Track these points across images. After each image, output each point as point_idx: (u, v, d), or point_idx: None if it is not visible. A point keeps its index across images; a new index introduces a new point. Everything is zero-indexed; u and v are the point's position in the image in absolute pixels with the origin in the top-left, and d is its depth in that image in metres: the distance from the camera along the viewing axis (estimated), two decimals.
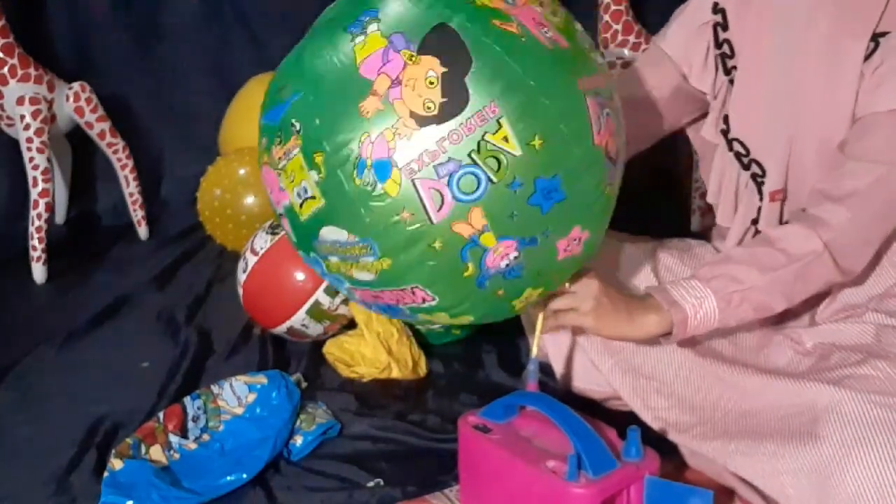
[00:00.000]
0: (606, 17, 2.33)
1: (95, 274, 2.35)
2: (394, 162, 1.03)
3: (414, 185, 1.03)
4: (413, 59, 1.04)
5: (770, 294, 1.23)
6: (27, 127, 2.23)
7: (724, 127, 1.38)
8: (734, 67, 1.37)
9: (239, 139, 2.46)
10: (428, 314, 1.17)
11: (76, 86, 2.34)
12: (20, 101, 2.23)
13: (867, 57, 1.22)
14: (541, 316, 1.23)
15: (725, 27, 1.36)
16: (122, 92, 2.72)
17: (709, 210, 2.04)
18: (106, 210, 2.76)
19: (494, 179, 1.03)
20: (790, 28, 1.29)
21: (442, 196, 1.03)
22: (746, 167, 1.36)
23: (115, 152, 2.47)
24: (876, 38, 1.22)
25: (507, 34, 1.05)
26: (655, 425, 1.31)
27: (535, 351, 1.25)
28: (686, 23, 1.42)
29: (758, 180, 1.36)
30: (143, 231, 2.57)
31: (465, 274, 1.08)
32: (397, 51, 1.04)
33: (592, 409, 1.41)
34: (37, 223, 2.24)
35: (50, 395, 1.70)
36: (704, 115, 1.47)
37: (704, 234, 1.64)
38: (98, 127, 2.40)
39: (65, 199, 2.67)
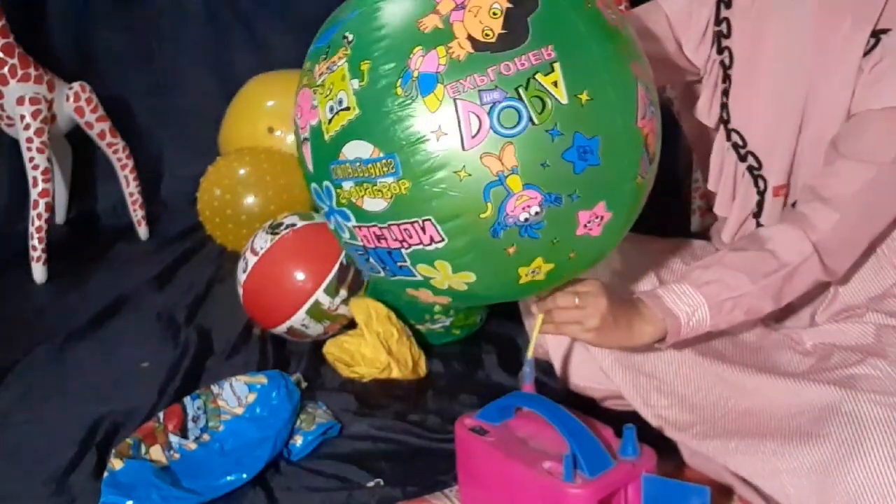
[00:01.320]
0: None
1: (95, 274, 2.35)
2: (440, 77, 1.02)
3: (455, 104, 1.02)
4: None
5: (761, 298, 1.23)
6: (27, 127, 2.23)
7: (724, 116, 1.38)
8: (727, 48, 1.36)
9: (239, 139, 2.46)
10: (429, 264, 1.11)
11: (76, 86, 2.34)
12: (20, 101, 2.23)
13: (867, 52, 1.22)
14: (539, 317, 1.23)
15: (729, 4, 1.36)
16: (122, 92, 2.72)
17: (709, 210, 2.04)
18: (106, 210, 2.76)
19: (536, 120, 1.01)
20: (789, 21, 1.29)
21: (480, 123, 1.01)
22: (743, 158, 1.37)
23: (115, 152, 2.47)
24: (877, 34, 1.22)
25: None
26: (655, 423, 1.31)
27: (530, 352, 1.25)
28: None
29: (754, 173, 1.36)
30: (143, 231, 2.58)
31: (483, 215, 1.05)
32: None
33: (589, 409, 1.42)
34: (37, 223, 2.24)
35: (50, 395, 1.70)
36: (684, 93, 1.48)
37: (704, 234, 1.65)
38: (98, 127, 2.41)
39: (65, 199, 2.67)
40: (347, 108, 1.06)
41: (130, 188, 2.52)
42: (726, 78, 1.38)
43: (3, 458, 1.50)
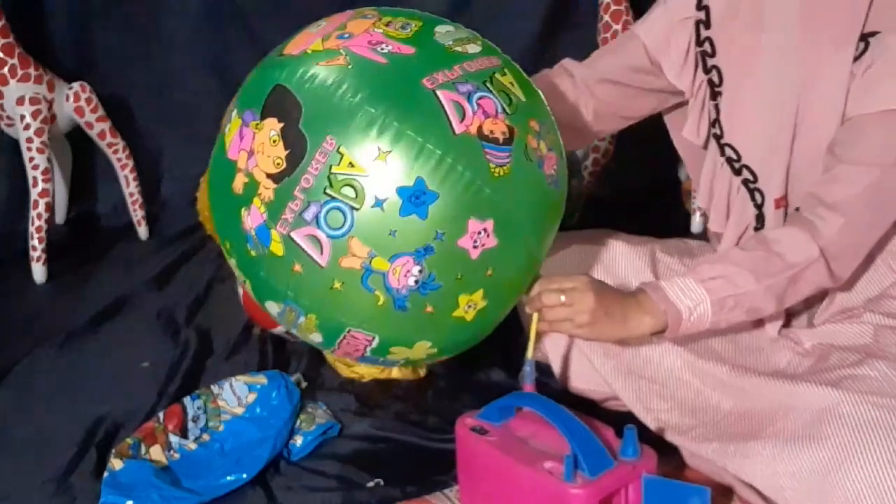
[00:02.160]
0: (606, 18, 2.32)
1: (95, 274, 2.34)
2: (268, 224, 1.09)
3: (291, 238, 1.08)
4: (258, 126, 1.11)
5: (764, 299, 1.23)
6: (27, 127, 2.23)
7: (716, 132, 1.38)
8: (715, 67, 1.36)
9: None
10: (385, 353, 1.18)
11: (76, 86, 2.34)
12: (20, 101, 2.22)
13: (857, 57, 1.22)
14: (535, 316, 1.23)
15: (708, 25, 1.36)
16: (122, 92, 2.71)
17: None
18: (106, 210, 2.75)
19: (356, 206, 1.06)
20: (777, 32, 1.28)
21: (318, 239, 1.07)
22: (738, 172, 1.36)
23: (115, 152, 2.47)
24: (865, 38, 1.22)
25: (333, 68, 1.10)
26: (655, 427, 1.32)
27: (530, 352, 1.25)
28: (667, 15, 1.40)
29: (750, 186, 1.35)
30: (143, 231, 2.57)
31: (379, 304, 1.10)
32: (247, 125, 1.11)
33: (590, 409, 1.42)
34: (37, 223, 2.24)
35: (50, 395, 1.70)
36: (673, 109, 1.48)
37: (705, 235, 1.65)
38: (98, 127, 2.40)
39: (65, 199, 2.67)
40: (245, 281, 1.21)
41: (130, 188, 2.52)
42: (715, 95, 1.37)
43: (3, 458, 1.50)
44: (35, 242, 2.24)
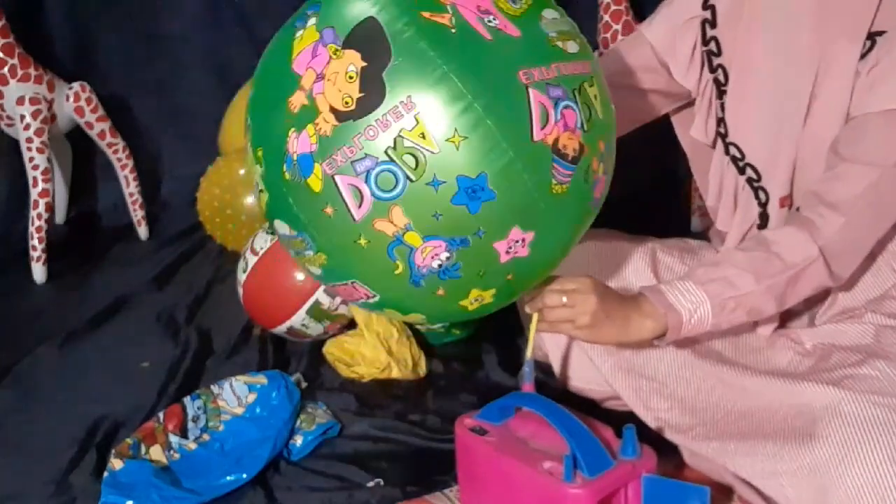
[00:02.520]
0: (606, 18, 2.33)
1: (95, 274, 2.35)
2: (315, 157, 1.03)
3: (334, 181, 1.03)
4: (337, 53, 1.03)
5: (764, 299, 1.23)
6: (27, 127, 2.23)
7: (721, 130, 1.38)
8: (720, 66, 1.36)
9: (239, 139, 2.46)
10: (380, 309, 1.17)
11: (76, 86, 2.34)
12: (20, 101, 2.23)
13: (863, 55, 1.22)
14: (535, 316, 1.23)
15: (714, 24, 1.36)
16: (122, 92, 2.72)
17: (708, 211, 2.04)
18: (106, 210, 2.76)
19: (413, 177, 1.01)
20: (782, 30, 1.28)
21: (361, 193, 1.02)
22: (742, 171, 1.36)
23: (115, 152, 2.47)
24: (872, 36, 1.22)
25: (436, 26, 1.02)
26: (655, 426, 1.31)
27: (529, 352, 1.25)
28: (673, 15, 1.41)
29: (753, 185, 1.36)
30: (143, 231, 2.58)
31: (396, 272, 1.07)
32: (325, 45, 1.04)
33: (589, 408, 1.42)
34: (37, 223, 2.24)
35: (50, 395, 1.70)
36: (680, 109, 1.47)
37: (705, 235, 1.65)
38: (98, 127, 2.41)
39: (65, 199, 2.67)
40: (262, 191, 1.13)
41: (130, 188, 2.52)
42: (721, 94, 1.37)
43: (3, 458, 1.50)
44: (35, 242, 2.25)
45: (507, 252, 1.08)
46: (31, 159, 2.23)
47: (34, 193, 2.24)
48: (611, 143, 1.17)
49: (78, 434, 1.53)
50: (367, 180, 1.02)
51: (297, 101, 1.04)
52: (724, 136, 1.38)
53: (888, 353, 1.25)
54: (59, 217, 2.66)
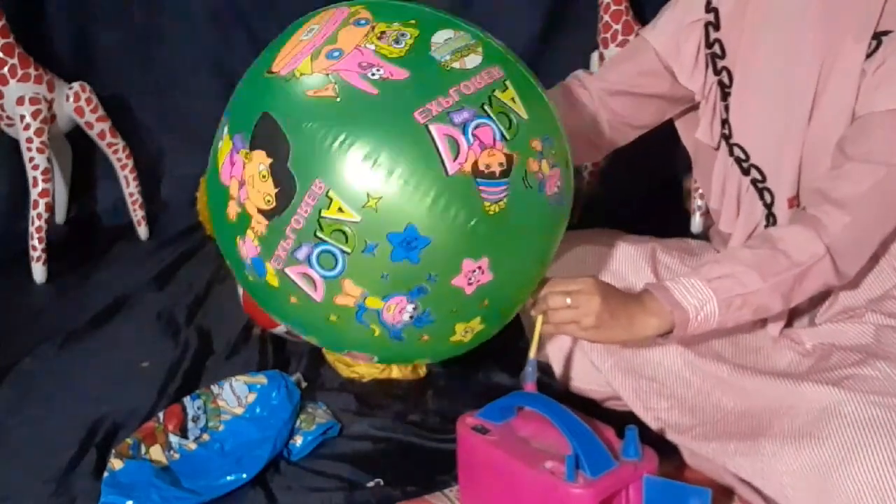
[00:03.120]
0: (606, 17, 2.32)
1: (95, 274, 2.34)
2: (262, 257, 1.09)
3: (286, 274, 1.08)
4: (247, 156, 1.08)
5: (771, 297, 1.22)
6: (27, 127, 2.23)
7: (725, 132, 1.38)
8: (725, 68, 1.36)
9: None
10: (388, 361, 1.25)
11: (76, 86, 2.34)
12: (20, 101, 2.22)
13: (869, 55, 1.22)
14: (539, 318, 1.23)
15: (717, 27, 1.36)
16: (122, 92, 2.71)
17: (709, 211, 2.04)
18: (106, 210, 2.75)
19: (348, 250, 1.04)
20: (786, 31, 1.28)
21: (311, 278, 1.07)
22: (746, 172, 1.36)
23: (115, 152, 2.47)
24: (878, 36, 1.22)
25: (321, 101, 1.05)
26: (655, 426, 1.31)
27: (532, 352, 1.25)
28: (676, 18, 1.40)
29: (759, 186, 1.35)
30: (143, 231, 2.57)
31: (376, 335, 1.10)
32: (237, 151, 1.09)
33: (591, 408, 1.42)
34: (37, 223, 2.24)
35: (50, 395, 1.70)
36: (684, 112, 1.47)
37: (705, 235, 1.65)
38: (98, 127, 2.40)
39: (65, 199, 2.67)
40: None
41: (130, 188, 2.52)
42: (726, 96, 1.37)
43: (3, 458, 1.50)
44: (35, 242, 2.24)
45: (470, 283, 1.08)
46: (31, 159, 2.23)
47: (34, 193, 2.24)
48: (551, 134, 1.15)
49: (78, 434, 1.53)
50: (310, 265, 1.06)
51: (233, 210, 1.11)
52: (728, 138, 1.37)
53: (888, 353, 1.25)
54: (59, 217, 2.66)
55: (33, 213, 2.24)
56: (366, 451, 1.47)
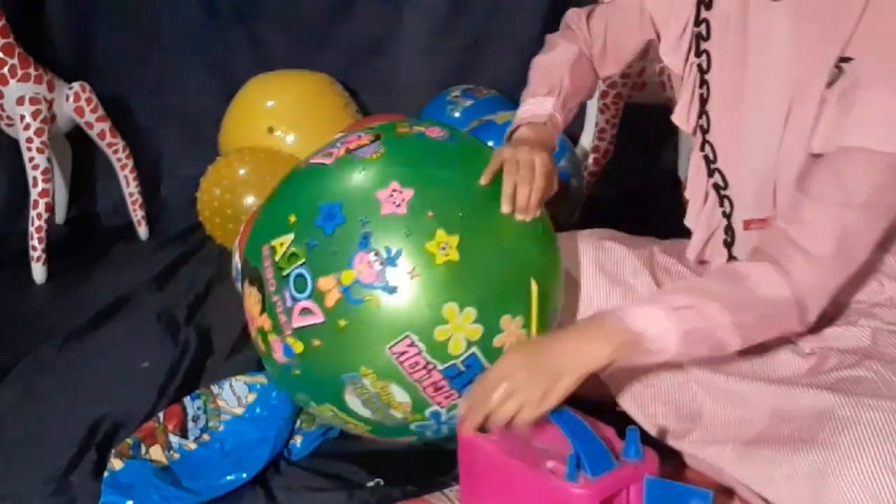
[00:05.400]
0: None
1: (95, 274, 2.35)
2: (281, 338, 1.28)
3: (295, 326, 1.26)
4: (246, 295, 1.37)
5: (732, 335, 1.18)
6: (27, 127, 2.23)
7: (703, 124, 1.35)
8: (706, 51, 1.32)
9: (239, 139, 2.46)
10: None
11: (76, 86, 2.34)
12: (20, 101, 2.23)
13: (830, 83, 1.17)
14: (534, 315, 1.22)
15: (709, 5, 1.31)
16: (122, 92, 2.72)
17: None
18: (106, 210, 2.76)
19: (303, 260, 1.24)
20: (762, 53, 1.25)
21: (308, 309, 1.23)
22: (710, 174, 1.34)
23: (115, 152, 2.47)
24: (841, 63, 1.16)
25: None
26: (653, 431, 1.32)
27: None
28: None
29: (720, 192, 1.34)
30: (143, 231, 2.58)
31: (374, 304, 1.21)
32: (246, 297, 1.37)
33: (592, 409, 1.41)
34: (37, 223, 2.24)
35: (50, 395, 1.70)
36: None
37: None
38: (98, 127, 2.41)
39: (65, 199, 2.67)
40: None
41: (130, 188, 2.52)
42: (703, 82, 1.34)
43: (3, 457, 1.50)
44: (35, 242, 2.25)
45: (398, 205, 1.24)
46: (31, 159, 2.23)
47: (34, 193, 2.24)
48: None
49: (78, 434, 1.53)
50: (296, 299, 1.24)
51: (260, 342, 1.33)
52: (704, 131, 1.35)
53: (884, 355, 1.24)
54: (59, 217, 2.66)
55: (33, 213, 2.24)
56: (366, 451, 1.47)
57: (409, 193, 1.23)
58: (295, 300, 1.23)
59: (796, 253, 1.16)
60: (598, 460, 1.08)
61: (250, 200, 2.25)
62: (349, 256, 1.20)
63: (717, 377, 1.31)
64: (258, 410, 1.50)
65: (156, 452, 1.42)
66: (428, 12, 2.76)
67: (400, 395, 1.24)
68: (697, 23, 1.33)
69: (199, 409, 1.50)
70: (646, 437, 1.18)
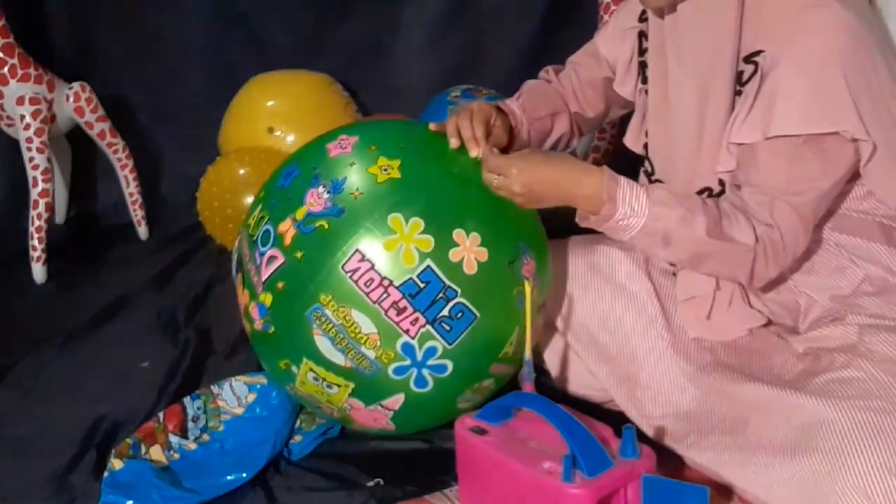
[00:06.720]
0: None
1: (95, 274, 2.35)
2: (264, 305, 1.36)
3: (266, 284, 1.33)
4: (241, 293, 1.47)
5: (684, 249, 1.23)
6: (27, 127, 2.23)
7: (646, 142, 1.41)
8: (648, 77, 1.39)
9: (239, 139, 2.46)
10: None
11: (76, 86, 2.34)
12: (20, 101, 2.23)
13: (746, 80, 1.21)
14: (528, 314, 1.23)
15: (647, 36, 1.37)
16: (122, 92, 2.72)
17: None
18: (106, 210, 2.76)
19: (264, 214, 1.35)
20: (677, 64, 1.29)
21: (273, 256, 1.31)
22: (642, 161, 1.42)
23: (115, 152, 2.47)
24: (751, 58, 1.21)
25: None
26: (651, 433, 1.32)
27: (528, 352, 1.25)
28: (619, 24, 1.46)
29: (649, 178, 1.41)
30: (143, 231, 2.58)
31: (325, 228, 1.27)
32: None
33: (589, 408, 1.42)
34: (37, 223, 2.24)
35: (50, 395, 1.70)
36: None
37: None
38: (98, 127, 2.41)
39: (65, 199, 2.67)
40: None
41: (130, 188, 2.52)
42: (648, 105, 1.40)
43: (3, 458, 1.50)
44: (35, 242, 2.25)
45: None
46: (31, 159, 2.24)
47: (34, 193, 2.24)
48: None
49: (78, 434, 1.53)
50: (262, 253, 1.33)
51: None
52: (647, 148, 1.41)
53: (871, 353, 1.24)
54: (59, 217, 2.66)
55: (33, 213, 2.24)
56: (366, 451, 1.47)
57: (354, 139, 1.35)
58: (262, 255, 1.32)
59: (756, 221, 1.21)
60: (594, 460, 1.08)
61: (250, 200, 2.25)
62: (302, 196, 1.30)
63: (714, 380, 1.32)
64: (258, 410, 1.50)
65: (156, 452, 1.42)
66: (428, 12, 2.76)
67: (365, 325, 1.25)
68: (641, 52, 1.40)
69: (198, 409, 1.51)
70: (643, 435, 1.18)
